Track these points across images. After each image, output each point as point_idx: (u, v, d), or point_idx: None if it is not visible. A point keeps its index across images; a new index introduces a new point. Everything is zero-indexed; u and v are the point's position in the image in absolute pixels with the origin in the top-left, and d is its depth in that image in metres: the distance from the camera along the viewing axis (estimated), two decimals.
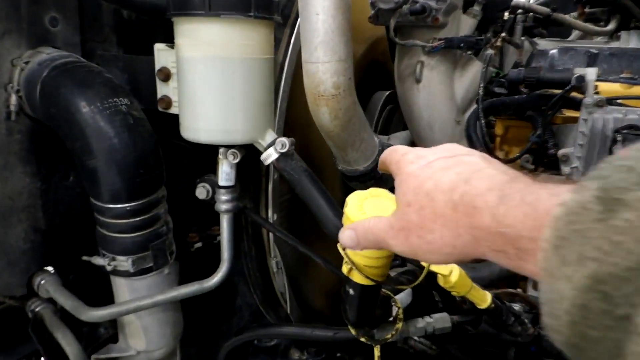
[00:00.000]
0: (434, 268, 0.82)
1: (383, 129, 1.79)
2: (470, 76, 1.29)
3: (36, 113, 1.02)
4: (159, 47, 1.07)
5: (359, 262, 0.77)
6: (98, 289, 1.18)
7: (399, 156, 0.57)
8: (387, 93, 1.79)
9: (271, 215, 1.30)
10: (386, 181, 1.27)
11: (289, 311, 1.45)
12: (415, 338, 1.31)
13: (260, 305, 1.50)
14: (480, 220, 0.42)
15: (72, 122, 0.95)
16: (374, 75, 1.79)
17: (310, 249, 1.15)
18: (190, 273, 1.39)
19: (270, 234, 1.34)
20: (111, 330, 1.29)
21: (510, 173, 0.46)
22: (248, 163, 1.26)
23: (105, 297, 1.15)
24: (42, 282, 1.12)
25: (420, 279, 0.79)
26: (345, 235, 0.61)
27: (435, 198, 0.47)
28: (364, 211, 0.69)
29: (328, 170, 1.51)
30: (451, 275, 0.85)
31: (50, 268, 1.17)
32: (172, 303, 1.20)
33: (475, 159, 0.50)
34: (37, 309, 1.14)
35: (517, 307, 1.10)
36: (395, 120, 1.83)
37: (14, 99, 1.01)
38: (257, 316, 1.56)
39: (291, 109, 1.26)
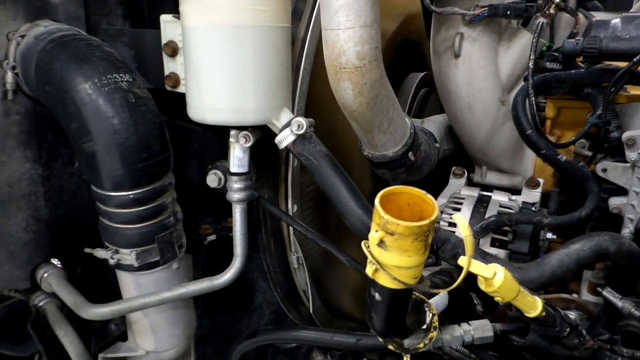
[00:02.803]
0: (474, 269, 0.68)
1: (417, 114, 1.65)
2: (518, 50, 1.13)
3: (34, 91, 0.94)
4: (165, 19, 0.97)
5: (386, 263, 0.65)
6: (110, 284, 1.11)
7: None
8: (422, 75, 1.64)
9: (291, 207, 1.19)
10: (419, 169, 1.13)
11: (311, 310, 1.34)
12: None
13: (282, 303, 1.39)
14: None
15: (67, 100, 0.86)
16: (407, 55, 1.65)
17: (333, 244, 1.03)
18: (207, 268, 1.31)
19: (291, 227, 1.23)
20: (122, 327, 1.21)
21: None
22: (266, 148, 1.15)
23: (119, 292, 1.08)
24: (46, 275, 1.05)
25: (459, 281, 0.65)
26: None
27: None
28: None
29: (357, 161, 1.39)
30: (494, 278, 0.71)
31: (56, 260, 1.10)
32: (184, 300, 1.10)
33: None
34: (40, 304, 1.07)
35: (572, 315, 0.95)
36: (430, 104, 1.68)
37: (10, 76, 0.93)
38: (278, 314, 1.46)
39: (315, 90, 1.14)
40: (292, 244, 1.26)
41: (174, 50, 0.97)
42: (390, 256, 0.64)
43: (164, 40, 0.98)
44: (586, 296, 1.10)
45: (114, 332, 1.23)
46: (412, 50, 1.66)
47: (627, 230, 0.98)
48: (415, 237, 0.61)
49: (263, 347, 1.39)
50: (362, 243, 0.67)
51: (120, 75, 0.90)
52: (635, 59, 0.93)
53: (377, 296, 0.69)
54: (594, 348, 0.85)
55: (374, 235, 0.63)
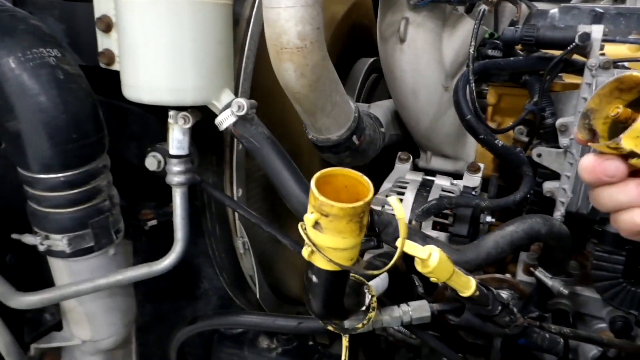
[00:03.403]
0: (410, 250, 0.69)
1: (366, 99, 1.65)
2: (461, 36, 1.15)
3: None
4: None
5: (322, 244, 0.64)
6: (45, 272, 1.05)
7: None
8: (371, 60, 1.64)
9: (236, 191, 1.17)
10: (364, 153, 1.13)
11: (258, 296, 1.33)
12: (394, 327, 1.19)
13: (228, 289, 1.37)
14: None
15: None
16: (357, 40, 1.64)
17: (277, 228, 1.02)
18: (149, 255, 1.27)
19: (237, 212, 1.21)
20: (58, 317, 1.16)
21: None
22: (210, 132, 1.12)
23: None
24: None
25: (393, 261, 0.66)
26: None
27: None
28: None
29: (305, 145, 1.38)
30: (430, 259, 0.72)
31: None
32: (122, 288, 1.07)
33: None
34: None
35: (505, 294, 0.99)
36: (379, 90, 1.69)
37: None
38: (225, 301, 1.44)
39: (262, 73, 1.12)
40: (237, 229, 1.24)
41: (107, 26, 0.92)
42: (325, 238, 0.63)
43: (97, 15, 0.93)
44: (521, 276, 1.15)
45: (49, 321, 1.17)
46: (362, 35, 1.66)
47: (559, 213, 1.03)
48: (349, 219, 0.61)
49: (209, 334, 1.38)
50: (299, 225, 0.67)
51: (48, 50, 0.84)
52: (569, 47, 0.97)
53: (314, 278, 0.69)
54: (524, 325, 0.89)
55: (309, 217, 0.63)
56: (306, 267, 0.71)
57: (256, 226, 1.11)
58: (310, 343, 1.28)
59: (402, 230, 0.63)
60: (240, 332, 1.29)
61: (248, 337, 1.29)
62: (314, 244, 0.65)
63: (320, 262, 0.67)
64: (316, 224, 0.63)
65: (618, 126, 0.52)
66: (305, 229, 0.66)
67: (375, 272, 0.68)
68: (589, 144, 0.53)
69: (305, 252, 0.67)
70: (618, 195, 0.50)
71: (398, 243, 0.67)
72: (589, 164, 0.51)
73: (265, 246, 1.43)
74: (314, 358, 1.24)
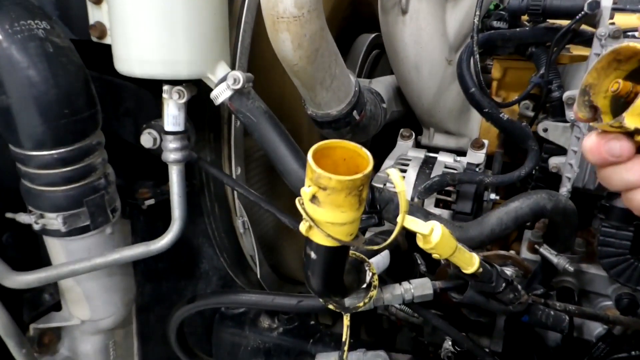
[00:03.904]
0: (410, 226, 0.67)
1: (368, 76, 1.62)
2: (465, 7, 1.11)
3: None
4: None
5: (320, 219, 0.62)
6: (43, 252, 1.04)
7: None
8: (373, 35, 1.61)
9: (234, 169, 1.15)
10: (365, 129, 1.11)
11: (259, 275, 1.32)
12: (396, 305, 1.18)
13: (229, 269, 1.36)
14: None
15: None
16: (358, 15, 1.60)
17: (275, 206, 1.00)
18: (147, 234, 1.25)
19: (236, 191, 1.19)
20: (57, 297, 1.15)
21: None
22: (207, 108, 1.10)
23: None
24: None
25: (394, 236, 0.64)
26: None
27: None
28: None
29: (305, 122, 1.35)
30: (432, 234, 0.70)
31: None
32: (121, 267, 1.06)
33: None
34: None
35: (509, 271, 0.97)
36: (381, 66, 1.65)
37: None
38: (226, 281, 1.43)
39: (261, 47, 1.08)
40: (237, 208, 1.23)
41: None
42: (323, 212, 0.61)
43: None
44: (525, 254, 1.13)
45: (47, 302, 1.16)
46: (362, 9, 1.62)
47: (565, 188, 1.00)
48: (348, 192, 0.59)
49: (210, 314, 1.37)
50: (297, 200, 0.64)
51: (36, 22, 0.81)
52: (577, 17, 0.93)
53: (312, 255, 0.67)
54: (528, 303, 0.87)
55: (307, 191, 0.60)
56: (304, 243, 0.70)
57: (255, 204, 1.09)
58: (312, 323, 1.27)
59: (402, 204, 0.61)
60: (241, 311, 1.29)
61: (249, 316, 1.28)
62: (311, 219, 0.63)
63: (318, 238, 0.65)
64: (314, 198, 0.60)
65: (620, 100, 0.49)
66: (302, 203, 0.64)
67: (376, 247, 0.66)
68: (591, 123, 0.49)
69: (302, 227, 0.65)
70: (627, 175, 0.47)
71: (398, 218, 0.65)
72: (593, 145, 0.47)
73: (266, 226, 1.42)
74: (316, 337, 1.23)
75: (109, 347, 1.13)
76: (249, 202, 1.21)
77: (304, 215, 0.64)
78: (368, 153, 0.61)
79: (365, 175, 0.59)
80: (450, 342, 1.10)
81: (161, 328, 1.28)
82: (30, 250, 1.09)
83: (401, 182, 0.59)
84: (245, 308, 1.28)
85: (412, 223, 0.68)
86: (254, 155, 1.27)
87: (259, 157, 1.30)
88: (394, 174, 0.60)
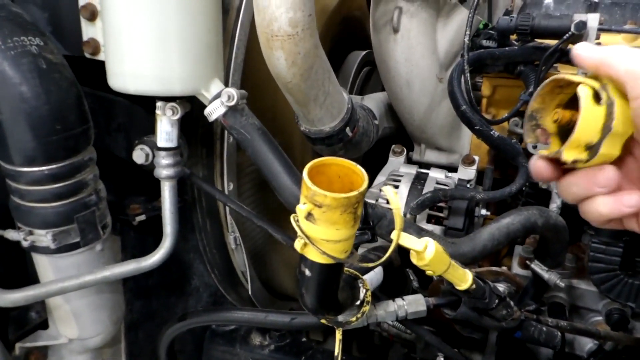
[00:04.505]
0: (405, 243, 0.67)
1: (359, 93, 1.63)
2: (455, 26, 1.13)
3: None
4: None
5: (315, 236, 0.62)
6: (29, 269, 1.02)
7: None
8: (364, 53, 1.62)
9: (227, 185, 1.14)
10: (357, 145, 1.11)
11: (250, 292, 1.31)
12: (389, 322, 1.17)
13: (220, 286, 1.35)
14: None
15: None
16: (349, 33, 1.62)
17: (269, 222, 1.00)
18: (138, 251, 1.24)
19: (228, 207, 1.18)
20: (44, 315, 1.13)
21: None
22: (199, 124, 1.10)
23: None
24: None
25: (389, 252, 0.64)
26: None
27: None
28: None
29: (297, 139, 1.35)
30: (426, 251, 0.71)
31: None
32: (110, 284, 1.04)
33: None
34: None
35: (501, 287, 0.98)
36: (372, 83, 1.67)
37: None
38: (217, 297, 1.41)
39: (253, 65, 1.09)
40: (229, 223, 1.22)
41: (92, 14, 0.89)
42: (318, 229, 0.61)
43: (81, 2, 0.90)
44: (516, 270, 1.13)
45: (34, 320, 1.14)
46: (354, 27, 1.64)
47: (555, 205, 1.02)
48: (343, 209, 0.59)
49: (200, 331, 1.35)
50: (292, 217, 0.64)
51: (30, 38, 0.81)
52: (565, 37, 0.95)
53: (307, 272, 0.67)
54: (521, 319, 0.87)
55: (302, 208, 0.60)
56: (299, 261, 0.69)
57: (248, 220, 1.08)
58: (304, 339, 1.26)
59: (398, 221, 0.61)
60: (232, 329, 1.27)
61: (240, 333, 1.27)
62: (306, 236, 0.63)
63: (313, 255, 0.65)
64: (309, 215, 0.60)
65: (566, 126, 0.51)
66: (297, 220, 0.64)
67: (371, 264, 0.66)
68: (533, 150, 0.52)
69: (297, 244, 0.65)
70: (575, 189, 0.49)
71: (393, 235, 0.65)
72: (537, 169, 0.51)
73: (257, 242, 1.41)
74: (308, 355, 1.22)
75: None
76: (240, 217, 1.20)
77: (299, 233, 0.64)
78: (363, 170, 0.61)
79: (360, 193, 0.59)
80: (442, 359, 1.10)
81: (150, 346, 1.26)
82: (16, 268, 1.08)
83: (396, 199, 0.59)
84: (236, 325, 1.27)
85: (407, 240, 0.69)
86: (245, 170, 1.27)
87: (250, 172, 1.30)
88: (389, 191, 0.60)
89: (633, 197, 0.47)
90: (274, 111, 1.25)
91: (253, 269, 1.31)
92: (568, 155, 0.47)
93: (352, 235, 0.64)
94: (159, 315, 1.33)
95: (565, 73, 0.50)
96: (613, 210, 0.47)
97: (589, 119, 0.45)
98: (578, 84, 0.48)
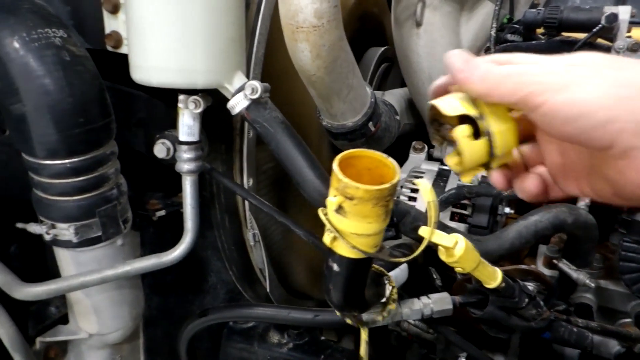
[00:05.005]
0: (435, 238, 0.65)
1: (378, 89, 1.61)
2: (480, 19, 1.11)
3: None
4: None
5: (345, 230, 0.61)
6: (49, 264, 1.02)
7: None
8: (382, 49, 1.60)
9: (246, 181, 1.13)
10: (379, 141, 1.10)
11: (268, 289, 1.30)
12: (410, 320, 1.16)
13: (237, 283, 1.34)
14: None
15: None
16: (368, 29, 1.60)
17: (290, 218, 0.98)
18: (156, 246, 1.23)
19: (247, 203, 1.17)
20: (63, 310, 1.13)
21: None
22: (219, 119, 1.09)
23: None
24: None
25: (421, 248, 0.62)
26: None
27: None
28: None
29: (314, 133, 1.34)
30: (456, 247, 0.69)
31: None
32: (130, 279, 1.04)
33: None
34: None
35: (531, 286, 0.95)
36: (390, 79, 1.65)
37: None
38: (234, 294, 1.40)
39: (272, 58, 1.08)
40: (247, 220, 1.21)
41: (115, 6, 0.89)
42: (349, 223, 0.60)
43: None
44: (541, 269, 1.10)
45: (54, 314, 1.14)
46: (372, 23, 1.62)
47: (583, 202, 0.99)
48: (375, 202, 0.58)
49: (217, 329, 1.34)
50: (320, 210, 0.63)
51: (53, 30, 0.81)
52: (594, 30, 0.93)
53: (335, 267, 0.65)
54: (550, 319, 0.85)
55: (332, 201, 0.59)
56: (327, 256, 0.68)
57: (268, 216, 1.07)
58: (323, 338, 1.25)
59: (432, 215, 0.59)
60: (250, 326, 1.26)
61: (258, 331, 1.25)
62: (336, 230, 0.61)
63: (342, 249, 0.64)
64: (339, 208, 0.59)
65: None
66: (326, 214, 0.62)
67: (402, 259, 0.64)
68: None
69: (326, 238, 0.64)
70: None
71: (423, 230, 0.63)
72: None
73: (274, 239, 1.40)
74: (327, 353, 1.20)
75: None
76: (259, 213, 1.19)
77: (329, 226, 0.62)
78: (395, 162, 0.59)
79: (393, 185, 0.57)
80: (464, 359, 1.07)
81: (168, 343, 1.25)
82: (36, 262, 1.08)
83: (431, 193, 0.58)
84: (254, 322, 1.25)
85: (436, 235, 0.67)
86: (262, 167, 1.25)
87: (267, 170, 1.29)
88: (422, 184, 0.58)
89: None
90: (290, 106, 1.24)
91: (271, 267, 1.29)
92: (467, 178, 0.52)
93: (382, 230, 0.62)
94: (176, 312, 1.32)
95: (441, 102, 0.48)
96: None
97: (472, 152, 0.48)
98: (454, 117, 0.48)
